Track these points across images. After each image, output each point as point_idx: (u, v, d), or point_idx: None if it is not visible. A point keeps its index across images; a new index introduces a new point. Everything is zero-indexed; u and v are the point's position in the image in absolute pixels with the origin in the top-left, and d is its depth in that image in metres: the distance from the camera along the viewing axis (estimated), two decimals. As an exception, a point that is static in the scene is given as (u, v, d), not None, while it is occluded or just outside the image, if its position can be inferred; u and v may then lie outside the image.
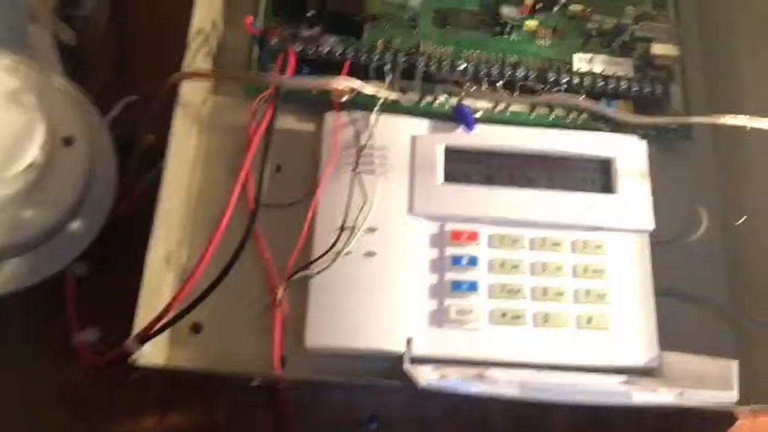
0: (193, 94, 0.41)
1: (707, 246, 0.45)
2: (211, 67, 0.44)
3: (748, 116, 0.39)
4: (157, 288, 0.38)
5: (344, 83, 0.36)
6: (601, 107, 0.40)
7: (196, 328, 0.41)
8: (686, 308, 0.43)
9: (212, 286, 0.35)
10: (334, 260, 0.39)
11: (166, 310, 0.34)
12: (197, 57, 0.40)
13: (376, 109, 0.42)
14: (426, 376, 0.35)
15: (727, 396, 0.32)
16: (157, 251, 0.35)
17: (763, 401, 0.36)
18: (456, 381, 0.31)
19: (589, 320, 0.40)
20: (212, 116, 0.45)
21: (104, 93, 0.43)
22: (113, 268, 0.40)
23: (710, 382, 0.33)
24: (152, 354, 0.35)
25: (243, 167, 0.39)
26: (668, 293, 0.42)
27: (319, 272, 0.39)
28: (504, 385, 0.31)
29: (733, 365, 0.32)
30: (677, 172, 0.46)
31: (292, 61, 0.37)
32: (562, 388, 0.31)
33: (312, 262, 0.39)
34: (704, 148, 0.48)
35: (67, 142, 0.37)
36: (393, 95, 0.42)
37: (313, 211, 0.41)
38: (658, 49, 0.47)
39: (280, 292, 0.39)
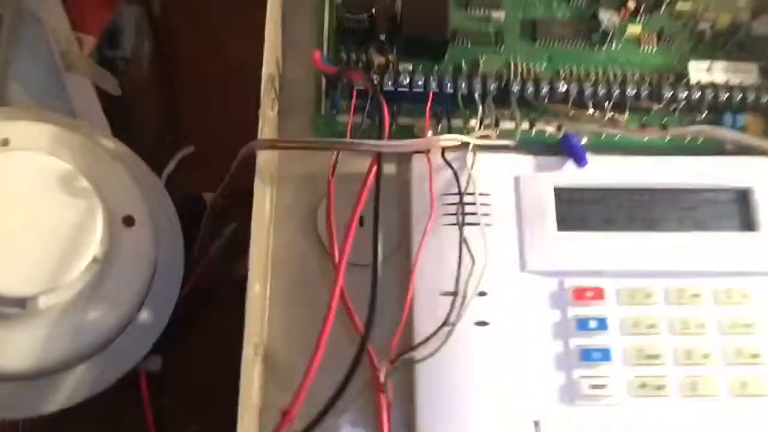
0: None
1: None
2: (291, 137, 0.37)
3: None
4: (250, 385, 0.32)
5: (450, 141, 0.30)
6: (746, 138, 0.34)
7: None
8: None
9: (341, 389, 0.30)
10: (445, 336, 0.33)
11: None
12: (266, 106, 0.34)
13: (470, 147, 0.36)
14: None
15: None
16: (248, 349, 0.30)
17: None
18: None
19: (744, 386, 0.34)
20: (281, 167, 0.39)
21: (156, 148, 0.37)
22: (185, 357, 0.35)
23: None
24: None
25: (347, 235, 0.33)
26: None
27: (428, 355, 0.33)
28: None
29: None
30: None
31: (386, 116, 0.31)
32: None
33: (421, 344, 0.33)
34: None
35: (128, 222, 0.31)
36: (506, 141, 0.35)
37: (414, 276, 0.35)
38: (786, 48, 0.40)
39: (382, 376, 0.34)
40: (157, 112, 0.40)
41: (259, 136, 0.31)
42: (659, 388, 0.34)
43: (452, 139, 0.30)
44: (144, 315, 0.32)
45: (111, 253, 0.30)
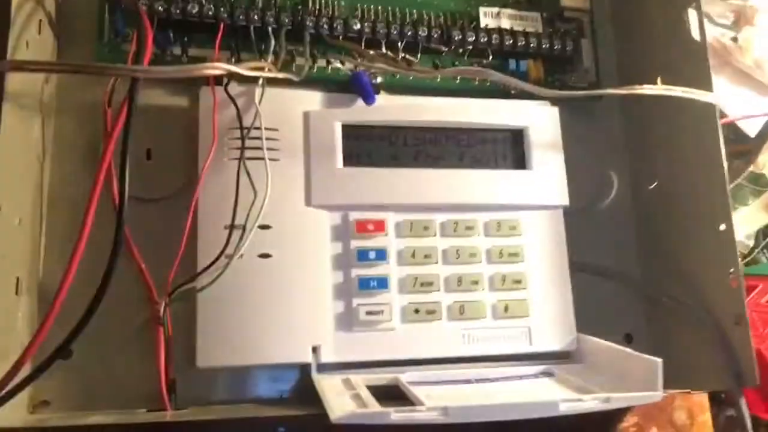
0: (27, 75, 0.33)
1: (618, 214, 0.44)
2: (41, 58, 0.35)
3: (665, 86, 0.36)
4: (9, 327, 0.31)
5: (215, 69, 0.30)
6: (515, 81, 0.36)
7: (66, 354, 0.35)
8: (599, 283, 0.42)
9: (85, 318, 0.29)
10: (223, 267, 0.34)
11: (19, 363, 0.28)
12: (29, 26, 0.32)
13: (260, 82, 0.36)
14: (335, 388, 0.32)
15: (652, 396, 0.30)
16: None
17: (676, 382, 0.35)
18: (373, 414, 0.28)
19: (506, 308, 0.37)
20: (60, 97, 0.37)
21: None
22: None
23: (634, 380, 0.32)
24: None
25: (103, 161, 0.32)
26: (581, 269, 0.40)
27: (207, 283, 0.34)
28: (426, 413, 0.28)
29: (657, 365, 0.31)
30: (586, 134, 0.44)
31: (149, 40, 0.29)
32: (487, 409, 0.29)
33: (198, 274, 0.34)
34: (613, 108, 0.46)
35: None
36: (280, 74, 0.35)
37: (194, 208, 0.35)
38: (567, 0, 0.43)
39: (161, 309, 0.34)
40: None
41: (9, 58, 0.29)
42: (431, 312, 0.36)
43: (214, 68, 0.29)
44: None
45: None
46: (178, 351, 0.34)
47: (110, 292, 0.29)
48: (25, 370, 0.29)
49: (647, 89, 0.36)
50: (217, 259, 0.33)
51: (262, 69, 0.34)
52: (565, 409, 0.29)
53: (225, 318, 0.34)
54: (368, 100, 0.38)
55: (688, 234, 0.40)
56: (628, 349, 0.34)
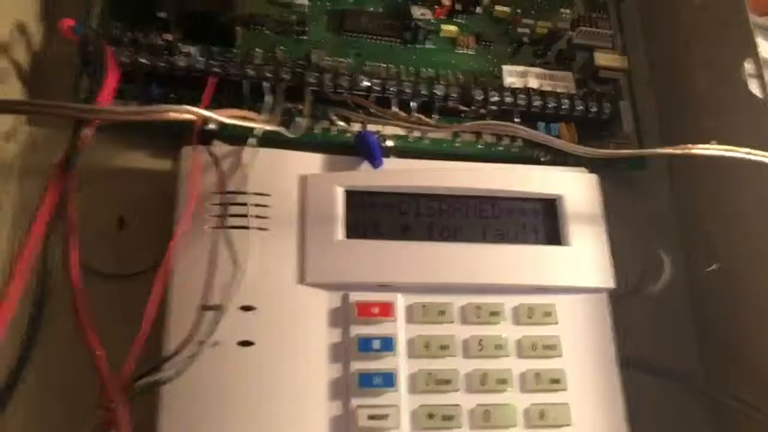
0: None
1: (671, 299, 0.37)
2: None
3: (720, 146, 0.31)
4: None
5: (184, 113, 0.25)
6: (553, 139, 0.31)
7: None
8: (650, 383, 0.35)
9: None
10: (194, 355, 0.28)
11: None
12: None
13: (250, 141, 0.31)
14: None
15: None
16: None
17: None
18: None
19: (542, 414, 0.30)
20: (25, 157, 0.32)
21: None
22: None
23: None
24: None
25: (36, 222, 0.26)
26: (628, 365, 0.33)
27: (174, 375, 0.27)
28: None
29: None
30: (628, 208, 0.38)
31: (111, 78, 0.25)
32: None
33: (164, 361, 0.27)
34: (658, 178, 0.40)
35: None
36: (267, 125, 0.31)
37: (163, 283, 0.29)
38: (602, 59, 0.38)
39: (117, 407, 0.27)
40: None
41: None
42: (449, 418, 0.29)
43: (181, 110, 0.25)
44: None
45: None
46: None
47: (57, 385, 0.23)
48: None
49: (706, 149, 0.30)
50: (185, 344, 0.27)
51: (247, 119, 0.29)
52: None
53: (194, 420, 0.28)
54: (375, 161, 0.32)
55: (758, 324, 0.33)
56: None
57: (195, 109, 0.25)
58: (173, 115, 0.24)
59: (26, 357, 0.22)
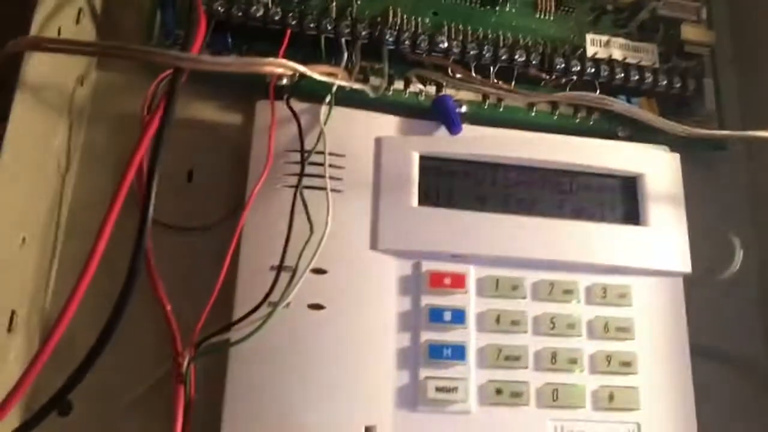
0: (59, 68, 0.28)
1: (742, 288, 0.36)
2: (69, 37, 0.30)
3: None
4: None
5: (279, 67, 0.24)
6: (644, 113, 0.30)
7: (64, 408, 0.28)
8: (717, 371, 0.34)
9: (90, 357, 0.22)
10: (265, 317, 0.27)
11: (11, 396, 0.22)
12: (65, 12, 0.27)
13: (328, 99, 0.30)
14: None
15: None
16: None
17: None
18: None
19: (611, 397, 0.29)
20: (95, 102, 0.32)
21: None
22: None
23: None
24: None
25: (128, 171, 0.25)
26: (698, 353, 0.32)
27: (243, 336, 0.27)
28: None
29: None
30: (704, 190, 0.36)
31: (201, 29, 0.24)
32: None
33: (234, 323, 0.27)
34: (737, 161, 0.39)
35: None
36: (355, 84, 0.30)
37: (236, 242, 0.28)
38: (689, 32, 0.36)
39: (184, 363, 0.27)
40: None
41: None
42: (516, 395, 0.29)
43: (279, 65, 0.24)
44: None
45: None
46: (199, 418, 0.27)
47: (125, 336, 0.23)
48: (12, 422, 0.23)
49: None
50: (258, 306, 0.27)
51: (335, 76, 0.28)
52: None
53: (261, 381, 0.27)
54: (453, 128, 0.31)
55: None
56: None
57: (291, 63, 0.24)
58: (269, 69, 0.23)
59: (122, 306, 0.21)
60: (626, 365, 0.30)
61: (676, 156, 0.33)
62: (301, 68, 0.24)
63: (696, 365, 0.31)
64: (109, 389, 0.28)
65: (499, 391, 0.29)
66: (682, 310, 0.31)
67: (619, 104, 0.29)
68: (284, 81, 0.31)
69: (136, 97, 0.30)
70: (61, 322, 0.20)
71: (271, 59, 0.23)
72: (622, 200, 0.32)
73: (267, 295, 0.27)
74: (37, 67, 0.25)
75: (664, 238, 0.32)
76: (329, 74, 0.28)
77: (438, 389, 0.28)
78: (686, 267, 0.32)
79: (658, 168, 0.33)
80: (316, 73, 0.26)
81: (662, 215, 0.32)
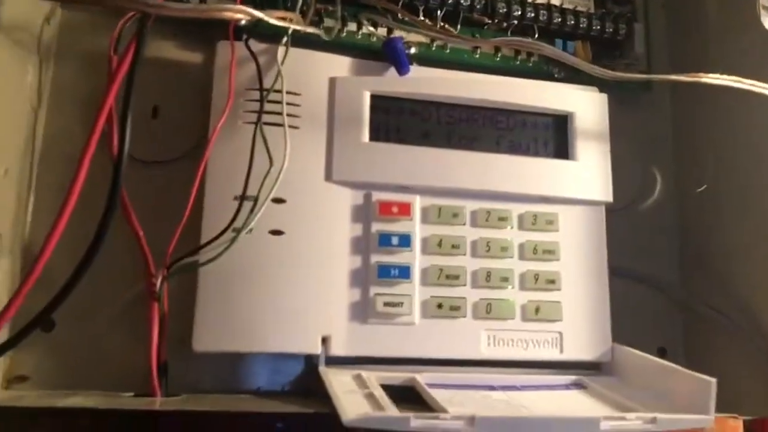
0: (27, 8, 0.30)
1: (659, 216, 0.40)
2: None
3: (733, 77, 0.32)
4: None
5: (237, 13, 0.26)
6: (572, 58, 0.33)
7: (47, 325, 0.31)
8: (633, 289, 0.39)
9: (69, 284, 0.25)
10: (230, 242, 0.30)
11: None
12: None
13: (285, 40, 0.32)
14: (346, 385, 0.29)
15: (702, 420, 0.27)
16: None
17: (722, 405, 0.31)
18: (391, 419, 0.24)
19: (537, 310, 0.34)
20: (61, 40, 0.33)
21: None
22: None
23: (679, 400, 0.28)
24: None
25: (102, 110, 0.28)
26: (616, 273, 0.37)
27: (211, 259, 0.30)
28: (450, 422, 0.24)
29: (711, 385, 0.27)
30: (630, 127, 0.40)
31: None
32: (520, 423, 0.25)
33: (202, 247, 0.30)
34: (662, 101, 0.42)
35: None
36: (309, 28, 0.32)
37: (202, 174, 0.31)
38: (623, -21, 0.39)
39: (158, 282, 0.30)
40: None
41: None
42: (455, 309, 0.33)
43: (237, 11, 0.26)
44: None
45: None
46: (172, 331, 0.30)
47: (102, 260, 0.25)
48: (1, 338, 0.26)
49: (712, 78, 0.32)
50: (223, 232, 0.30)
51: (290, 20, 0.30)
52: (606, 428, 0.26)
53: (227, 298, 0.31)
54: (402, 69, 0.34)
55: (736, 242, 0.36)
56: (675, 365, 0.30)
57: (249, 9, 0.26)
58: (228, 14, 0.25)
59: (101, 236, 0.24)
60: (551, 282, 0.34)
61: (604, 96, 0.37)
62: (258, 14, 0.27)
63: (614, 285, 0.36)
64: (88, 308, 0.31)
65: (439, 306, 0.33)
66: (603, 235, 0.35)
67: (549, 49, 0.32)
68: (243, 22, 0.33)
69: (101, 36, 0.32)
70: (47, 247, 0.23)
71: (229, 5, 0.26)
72: (554, 137, 0.36)
73: (231, 222, 0.30)
74: (8, 7, 0.26)
75: (589, 171, 0.35)
76: (285, 18, 0.30)
77: (386, 304, 0.32)
78: (608, 197, 0.35)
79: (587, 107, 0.36)
80: (272, 18, 0.28)
81: (589, 150, 0.36)
